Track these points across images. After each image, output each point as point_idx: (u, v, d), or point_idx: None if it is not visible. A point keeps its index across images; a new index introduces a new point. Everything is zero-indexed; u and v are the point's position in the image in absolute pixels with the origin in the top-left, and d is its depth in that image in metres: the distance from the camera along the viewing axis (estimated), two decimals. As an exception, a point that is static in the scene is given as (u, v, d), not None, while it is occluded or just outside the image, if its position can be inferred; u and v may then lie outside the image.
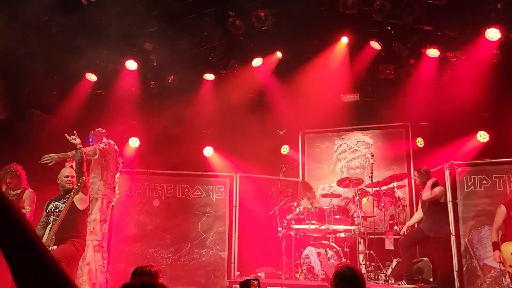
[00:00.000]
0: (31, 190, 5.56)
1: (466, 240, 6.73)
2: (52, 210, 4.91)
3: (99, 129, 5.99)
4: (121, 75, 7.35)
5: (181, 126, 7.84)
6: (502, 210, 5.55)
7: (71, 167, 5.22)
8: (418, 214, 6.82)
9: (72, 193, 4.69)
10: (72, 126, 7.33)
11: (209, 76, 7.66)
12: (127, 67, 7.24)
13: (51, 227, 4.73)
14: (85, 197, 4.94)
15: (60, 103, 7.27)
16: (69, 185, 4.97)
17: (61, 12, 6.29)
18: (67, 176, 5.02)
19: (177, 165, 8.07)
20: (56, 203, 4.98)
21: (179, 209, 7.96)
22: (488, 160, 6.97)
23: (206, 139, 8.66)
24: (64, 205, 4.74)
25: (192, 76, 7.73)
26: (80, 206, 4.92)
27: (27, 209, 5.24)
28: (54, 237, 4.61)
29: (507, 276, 6.30)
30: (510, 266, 5.28)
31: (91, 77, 7.39)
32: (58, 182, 5.09)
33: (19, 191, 5.50)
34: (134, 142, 8.23)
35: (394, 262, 6.94)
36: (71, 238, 4.76)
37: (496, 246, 5.47)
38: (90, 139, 5.88)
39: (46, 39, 6.62)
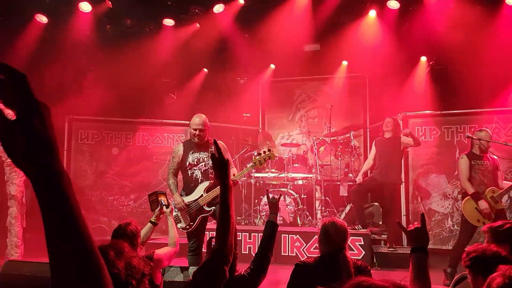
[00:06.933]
0: None
1: (414, 186, 7.19)
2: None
3: None
4: (75, 17, 6.96)
5: (140, 73, 7.63)
6: (465, 161, 5.29)
7: None
8: (370, 161, 7.08)
9: None
10: (24, 71, 7.00)
11: (169, 22, 7.39)
12: (81, 9, 6.86)
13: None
14: None
15: (10, 46, 6.84)
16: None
17: None
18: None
19: (136, 112, 7.95)
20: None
21: (139, 157, 7.94)
22: (439, 112, 7.32)
23: (166, 86, 8.51)
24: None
25: (150, 21, 7.44)
26: None
27: None
28: None
29: (449, 220, 6.86)
30: (478, 220, 5.10)
31: (42, 18, 6.95)
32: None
33: None
34: (90, 88, 7.94)
35: (348, 208, 7.34)
36: None
37: (477, 195, 5.11)
38: None
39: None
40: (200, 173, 4.71)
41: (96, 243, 0.79)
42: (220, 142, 4.69)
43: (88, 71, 7.87)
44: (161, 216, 3.77)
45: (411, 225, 2.10)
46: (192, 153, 4.74)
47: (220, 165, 1.99)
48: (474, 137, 5.28)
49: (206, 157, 4.69)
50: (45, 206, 0.75)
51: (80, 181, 7.61)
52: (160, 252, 3.29)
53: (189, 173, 4.74)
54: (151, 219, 3.71)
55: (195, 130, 4.67)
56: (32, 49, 6.99)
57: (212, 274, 1.77)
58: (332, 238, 2.77)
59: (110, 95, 7.72)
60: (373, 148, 6.88)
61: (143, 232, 3.47)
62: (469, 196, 5.20)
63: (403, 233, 2.19)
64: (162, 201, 3.79)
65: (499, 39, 6.42)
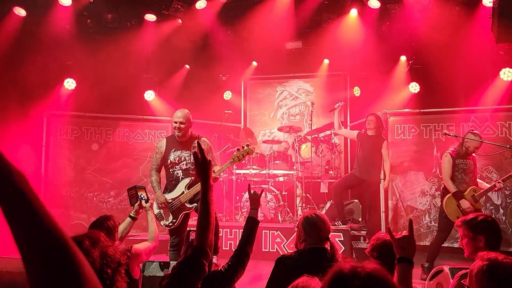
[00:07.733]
0: None
1: (393, 183, 7.30)
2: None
3: None
4: (54, 11, 6.85)
5: (121, 68, 7.54)
6: (449, 160, 5.30)
7: None
8: (349, 132, 7.30)
9: None
10: (2, 65, 6.86)
11: (150, 17, 7.33)
12: (60, 3, 6.75)
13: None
14: None
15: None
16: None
17: None
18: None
19: (117, 108, 7.86)
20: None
21: (119, 153, 7.87)
22: (418, 110, 7.45)
23: (147, 82, 8.43)
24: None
25: (132, 16, 7.36)
26: None
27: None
28: None
29: (427, 216, 6.99)
30: (458, 217, 5.25)
31: (20, 11, 6.82)
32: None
33: None
34: (69, 84, 7.85)
35: (328, 204, 7.41)
36: None
37: (460, 195, 5.19)
38: None
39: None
40: (181, 171, 4.71)
41: (67, 234, 0.77)
42: (206, 140, 4.71)
43: (68, 66, 7.75)
44: (141, 211, 3.75)
45: (400, 232, 2.06)
46: (174, 151, 4.73)
47: (202, 165, 2.00)
48: (451, 134, 5.38)
49: (188, 156, 4.67)
50: (4, 207, 0.72)
51: (59, 177, 7.50)
52: (138, 246, 3.27)
53: (170, 171, 4.75)
54: (130, 214, 3.68)
55: (176, 122, 4.68)
56: (10, 43, 6.85)
57: (192, 270, 1.78)
58: (320, 227, 2.78)
59: (90, 91, 7.62)
60: (356, 135, 6.90)
61: (122, 227, 3.45)
62: (450, 194, 5.26)
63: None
64: (142, 196, 3.76)
65: (476, 39, 6.56)
